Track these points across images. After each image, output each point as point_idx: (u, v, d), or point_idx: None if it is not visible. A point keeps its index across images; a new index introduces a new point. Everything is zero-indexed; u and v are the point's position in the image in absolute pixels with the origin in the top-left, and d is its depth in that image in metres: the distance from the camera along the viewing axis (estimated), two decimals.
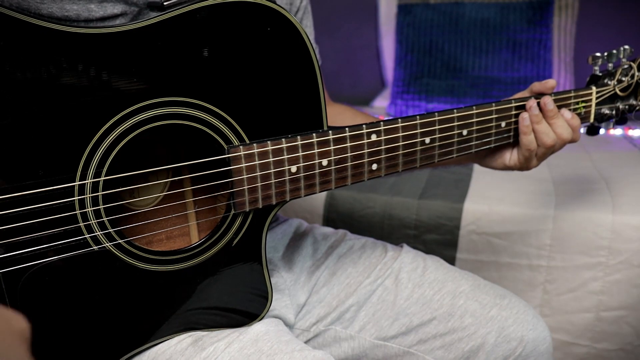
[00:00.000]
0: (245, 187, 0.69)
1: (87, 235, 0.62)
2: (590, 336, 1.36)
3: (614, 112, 0.99)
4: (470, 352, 0.86)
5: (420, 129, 0.79)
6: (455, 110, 0.82)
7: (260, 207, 0.71)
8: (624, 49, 0.97)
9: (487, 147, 0.88)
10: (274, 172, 0.70)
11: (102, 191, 0.62)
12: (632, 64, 0.98)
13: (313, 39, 1.02)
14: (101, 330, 0.66)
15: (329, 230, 1.02)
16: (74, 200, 0.61)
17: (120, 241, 0.64)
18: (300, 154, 0.71)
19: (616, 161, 1.65)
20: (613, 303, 1.32)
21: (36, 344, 0.62)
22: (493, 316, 0.87)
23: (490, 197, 1.43)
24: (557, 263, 1.36)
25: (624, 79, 0.98)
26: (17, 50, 0.56)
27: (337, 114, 1.04)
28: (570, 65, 2.21)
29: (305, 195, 0.73)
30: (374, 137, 0.76)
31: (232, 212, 0.70)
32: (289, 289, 0.89)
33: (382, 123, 0.76)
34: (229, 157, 0.67)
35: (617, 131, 2.00)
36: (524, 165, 0.91)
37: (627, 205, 1.34)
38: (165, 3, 0.62)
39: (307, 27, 0.99)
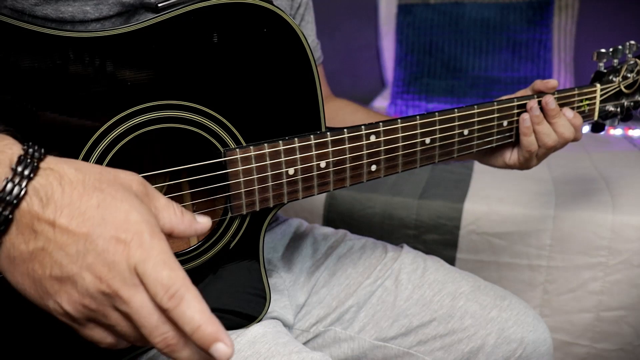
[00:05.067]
0: (242, 190, 0.68)
1: None
2: (590, 336, 1.36)
3: (618, 109, 0.98)
4: (470, 354, 0.86)
5: (421, 129, 0.78)
6: (456, 110, 0.81)
7: (258, 210, 0.70)
8: (630, 45, 0.95)
9: (489, 146, 0.87)
10: (271, 174, 0.69)
11: None
12: (637, 60, 0.96)
13: (315, 34, 1.02)
14: None
15: (329, 230, 1.01)
16: None
17: None
18: (298, 156, 0.70)
19: (616, 161, 1.65)
20: (613, 303, 1.32)
21: (35, 347, 0.62)
22: (493, 317, 0.87)
23: (490, 197, 1.42)
24: (557, 263, 1.36)
25: (629, 75, 0.96)
26: (12, 55, 0.55)
27: (338, 109, 1.04)
28: (570, 65, 2.21)
29: (303, 198, 0.73)
30: (373, 138, 0.75)
31: (229, 215, 0.69)
32: (288, 289, 0.89)
33: (381, 124, 0.75)
34: (225, 160, 0.67)
35: (617, 131, 1.99)
36: (524, 165, 0.90)
37: (627, 205, 1.33)
38: (159, 5, 0.62)
39: (308, 23, 0.99)
